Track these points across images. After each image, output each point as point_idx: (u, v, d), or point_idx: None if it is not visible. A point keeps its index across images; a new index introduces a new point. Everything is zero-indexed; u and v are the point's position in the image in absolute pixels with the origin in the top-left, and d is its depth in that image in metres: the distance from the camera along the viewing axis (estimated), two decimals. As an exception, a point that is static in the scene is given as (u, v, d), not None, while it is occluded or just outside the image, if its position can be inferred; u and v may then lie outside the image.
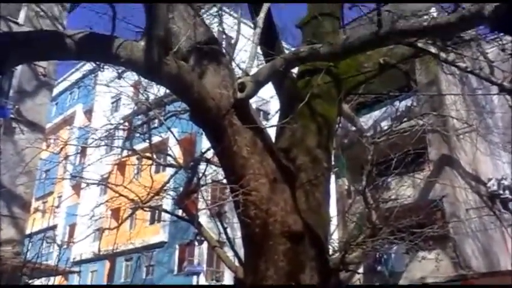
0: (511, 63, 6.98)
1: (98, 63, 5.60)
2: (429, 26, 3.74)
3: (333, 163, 6.72)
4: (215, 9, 8.00)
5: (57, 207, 37.00)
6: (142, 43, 3.94)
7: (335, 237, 10.59)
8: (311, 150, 5.19)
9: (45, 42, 3.92)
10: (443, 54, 6.22)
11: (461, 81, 14.62)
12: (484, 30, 6.66)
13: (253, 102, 5.32)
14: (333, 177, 10.05)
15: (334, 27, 6.15)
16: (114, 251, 17.57)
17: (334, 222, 10.84)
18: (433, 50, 6.22)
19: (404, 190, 11.94)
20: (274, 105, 19.30)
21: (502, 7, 3.19)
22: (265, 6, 5.18)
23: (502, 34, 5.85)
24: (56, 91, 29.90)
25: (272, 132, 5.20)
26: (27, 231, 14.39)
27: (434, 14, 5.66)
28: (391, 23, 4.18)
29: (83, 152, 21.53)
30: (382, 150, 10.14)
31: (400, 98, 13.96)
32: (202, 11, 6.30)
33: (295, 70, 5.96)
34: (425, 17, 5.03)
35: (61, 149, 6.95)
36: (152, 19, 3.80)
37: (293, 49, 5.41)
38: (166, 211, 10.29)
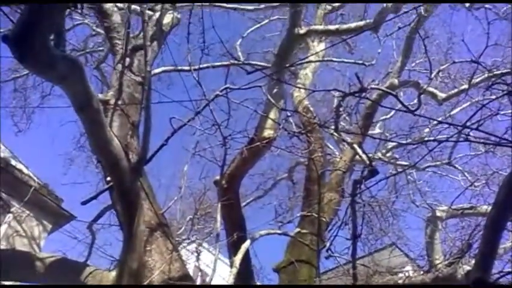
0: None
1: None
2: (403, 285, 3.75)
3: None
4: (194, 245, 8.11)
5: None
6: (113, 273, 3.83)
7: None
8: None
9: (14, 262, 3.80)
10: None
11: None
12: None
13: None
14: None
15: (311, 274, 6.14)
16: None
17: None
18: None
19: None
20: None
21: (475, 271, 3.23)
22: (244, 247, 5.28)
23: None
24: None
25: None
26: None
27: (410, 273, 5.74)
28: (366, 277, 4.19)
29: None
30: None
31: None
32: (181, 246, 6.36)
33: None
34: (400, 274, 5.09)
35: None
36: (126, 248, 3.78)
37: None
38: None
